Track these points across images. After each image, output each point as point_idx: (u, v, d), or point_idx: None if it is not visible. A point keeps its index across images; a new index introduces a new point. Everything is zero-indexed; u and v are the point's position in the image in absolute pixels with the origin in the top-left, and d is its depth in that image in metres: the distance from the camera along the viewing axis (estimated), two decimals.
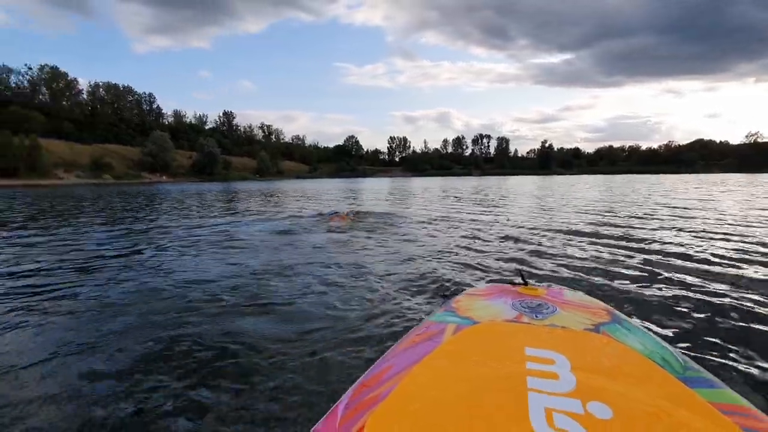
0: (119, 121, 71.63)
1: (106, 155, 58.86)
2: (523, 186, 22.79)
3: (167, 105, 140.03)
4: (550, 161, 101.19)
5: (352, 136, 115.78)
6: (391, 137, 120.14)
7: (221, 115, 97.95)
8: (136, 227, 6.20)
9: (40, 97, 64.71)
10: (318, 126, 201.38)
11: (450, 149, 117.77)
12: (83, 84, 71.53)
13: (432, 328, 0.87)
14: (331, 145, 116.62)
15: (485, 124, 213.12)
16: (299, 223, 6.04)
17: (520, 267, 3.04)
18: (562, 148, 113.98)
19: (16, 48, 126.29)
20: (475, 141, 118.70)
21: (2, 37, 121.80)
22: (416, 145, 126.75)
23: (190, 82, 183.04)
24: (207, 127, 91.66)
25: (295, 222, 6.27)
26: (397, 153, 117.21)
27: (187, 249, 4.13)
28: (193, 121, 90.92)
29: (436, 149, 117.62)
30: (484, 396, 0.57)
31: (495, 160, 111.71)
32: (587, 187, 19.08)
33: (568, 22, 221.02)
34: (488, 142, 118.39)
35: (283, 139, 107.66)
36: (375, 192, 18.12)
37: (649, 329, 1.44)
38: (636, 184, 21.72)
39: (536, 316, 0.92)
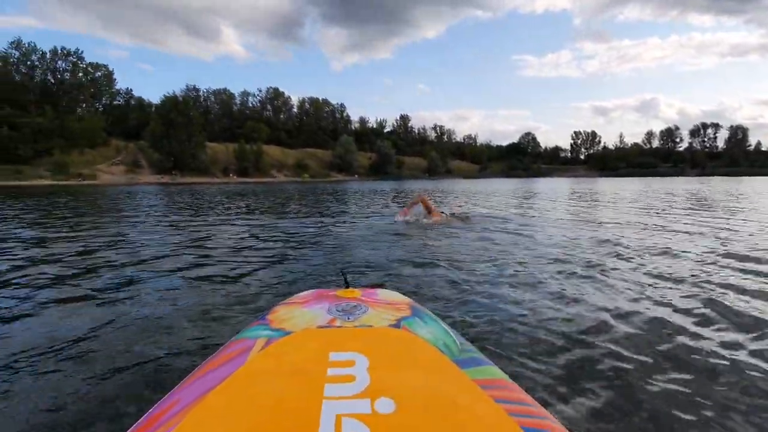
0: (318, 129, 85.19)
1: (306, 158, 71.07)
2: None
3: (354, 112, 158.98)
4: None
5: (529, 133, 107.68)
6: (575, 132, 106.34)
7: (398, 118, 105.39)
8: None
9: (266, 112, 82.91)
10: (490, 123, 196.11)
11: (657, 143, 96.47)
12: (294, 100, 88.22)
13: (237, 347, 0.77)
14: (505, 144, 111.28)
15: (710, 111, 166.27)
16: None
17: (343, 268, 2.83)
18: None
19: (252, 76, 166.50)
20: (694, 132, 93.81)
21: (245, 69, 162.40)
22: (608, 140, 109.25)
23: (374, 90, 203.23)
24: (386, 131, 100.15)
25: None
26: (582, 149, 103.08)
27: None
28: (374, 126, 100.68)
29: (636, 144, 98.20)
30: (281, 416, 0.54)
31: (724, 155, 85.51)
32: None
33: None
34: (715, 133, 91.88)
35: (455, 139, 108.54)
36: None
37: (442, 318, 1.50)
38: None
39: (348, 318, 0.88)
